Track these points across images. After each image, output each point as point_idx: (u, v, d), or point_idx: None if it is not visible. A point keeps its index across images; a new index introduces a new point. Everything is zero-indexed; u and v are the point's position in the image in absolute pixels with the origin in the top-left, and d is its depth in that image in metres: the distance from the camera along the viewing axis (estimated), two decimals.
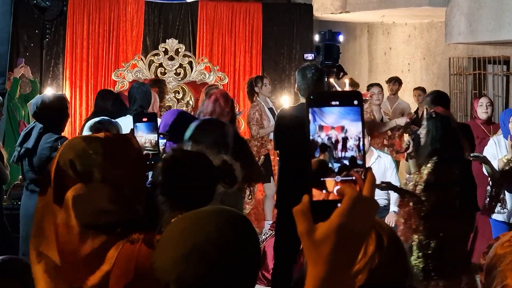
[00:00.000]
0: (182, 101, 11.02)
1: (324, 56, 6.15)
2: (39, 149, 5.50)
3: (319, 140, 1.08)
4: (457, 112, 10.81)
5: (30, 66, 10.22)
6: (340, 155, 1.08)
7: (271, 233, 6.40)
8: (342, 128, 1.08)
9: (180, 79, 10.94)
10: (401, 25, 12.35)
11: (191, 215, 1.77)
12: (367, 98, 8.74)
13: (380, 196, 7.12)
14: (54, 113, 5.63)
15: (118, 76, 10.80)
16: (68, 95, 11.12)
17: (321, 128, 1.08)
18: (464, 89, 10.96)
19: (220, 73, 11.09)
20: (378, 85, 9.40)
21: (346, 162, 1.08)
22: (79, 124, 10.33)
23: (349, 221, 1.06)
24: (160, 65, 11.01)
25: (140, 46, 11.43)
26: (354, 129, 1.08)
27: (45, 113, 5.64)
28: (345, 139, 1.08)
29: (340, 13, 11.56)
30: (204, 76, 10.96)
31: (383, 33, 12.83)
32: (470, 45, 10.67)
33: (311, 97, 1.10)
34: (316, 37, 6.58)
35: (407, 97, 10.91)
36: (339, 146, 1.08)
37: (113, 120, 5.42)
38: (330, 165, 1.08)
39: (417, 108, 10.01)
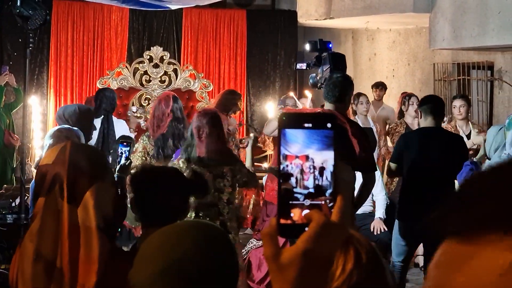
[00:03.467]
0: None
1: (333, 66, 5.93)
2: None
3: (282, 168, 1.07)
4: None
5: (14, 75, 10.17)
6: (305, 184, 1.07)
7: (255, 243, 6.37)
8: (307, 157, 1.06)
9: (165, 86, 10.89)
10: (386, 31, 12.37)
11: (167, 230, 1.76)
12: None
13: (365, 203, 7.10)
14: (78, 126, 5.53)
15: (103, 84, 10.72)
16: (52, 104, 11.08)
17: (285, 157, 1.06)
18: (448, 94, 10.99)
19: (205, 80, 11.04)
20: (364, 94, 9.18)
21: (312, 190, 1.07)
22: None
23: (315, 247, 1.04)
24: (145, 72, 10.96)
25: (125, 53, 11.41)
26: (320, 157, 1.07)
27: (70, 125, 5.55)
28: (310, 168, 1.06)
29: (324, 19, 11.57)
30: (189, 84, 10.92)
31: (367, 39, 12.85)
32: (454, 51, 10.71)
33: (284, 118, 1.08)
34: (307, 46, 6.40)
35: (392, 103, 10.92)
36: (304, 175, 1.07)
37: (73, 128, 5.36)
38: (295, 194, 1.07)
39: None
